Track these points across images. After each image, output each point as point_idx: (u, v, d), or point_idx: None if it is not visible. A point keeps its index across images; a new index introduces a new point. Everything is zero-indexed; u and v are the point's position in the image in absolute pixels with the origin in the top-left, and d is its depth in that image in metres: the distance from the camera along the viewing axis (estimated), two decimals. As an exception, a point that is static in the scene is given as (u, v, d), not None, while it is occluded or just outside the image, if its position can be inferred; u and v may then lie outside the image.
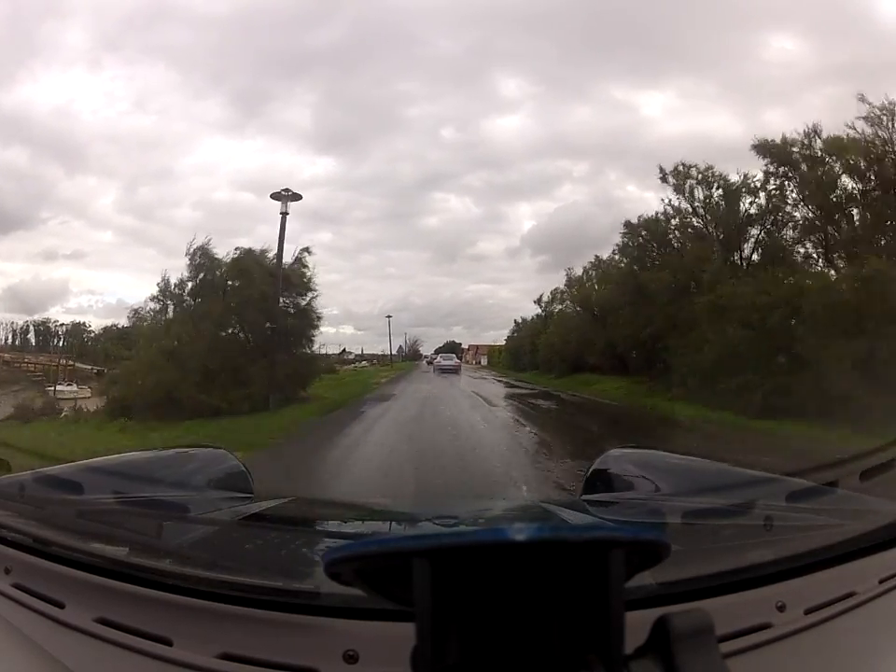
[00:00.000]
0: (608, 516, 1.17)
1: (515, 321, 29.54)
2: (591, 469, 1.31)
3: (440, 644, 0.45)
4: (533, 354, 24.44)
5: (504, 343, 33.40)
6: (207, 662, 0.65)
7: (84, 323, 23.71)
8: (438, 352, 35.43)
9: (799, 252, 12.08)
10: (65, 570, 0.76)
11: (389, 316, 30.88)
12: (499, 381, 23.00)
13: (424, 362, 36.79)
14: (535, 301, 25.16)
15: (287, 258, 14.13)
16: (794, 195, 12.05)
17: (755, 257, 12.67)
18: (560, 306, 23.02)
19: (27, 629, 0.71)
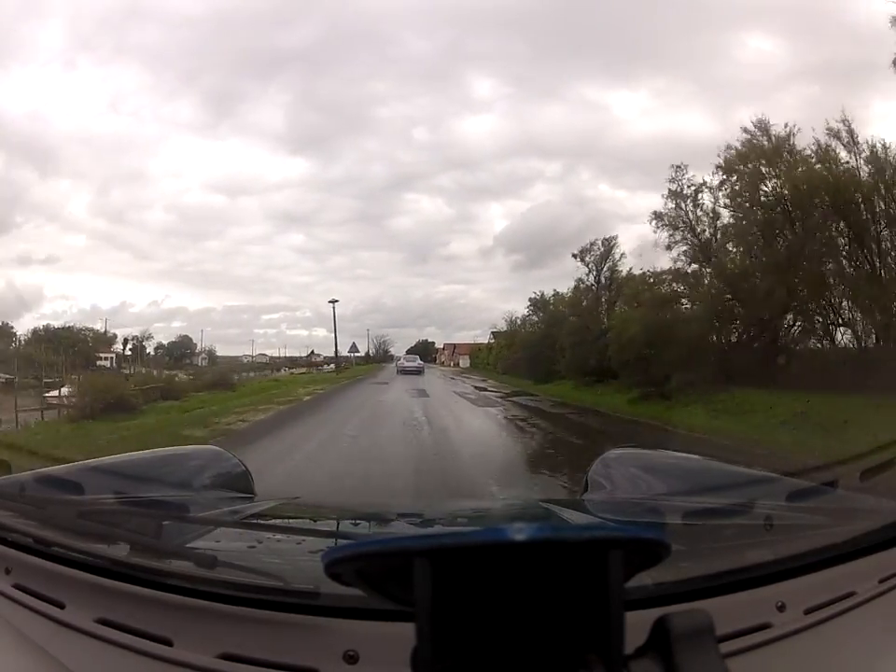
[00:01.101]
0: (608, 516, 1.17)
1: (531, 300, 18.59)
2: (591, 469, 1.31)
3: (440, 644, 0.45)
4: (576, 352, 13.15)
5: (491, 339, 25.83)
6: (207, 662, 0.64)
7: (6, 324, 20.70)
8: (409, 353, 34.57)
9: None
10: (65, 570, 0.76)
11: (334, 301, 23.31)
12: (546, 411, 11.17)
13: (394, 365, 31.98)
14: (575, 255, 14.78)
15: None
16: None
17: None
18: (674, 255, 11.00)
19: (27, 629, 0.71)
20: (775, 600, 0.72)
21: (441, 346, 43.01)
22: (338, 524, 1.27)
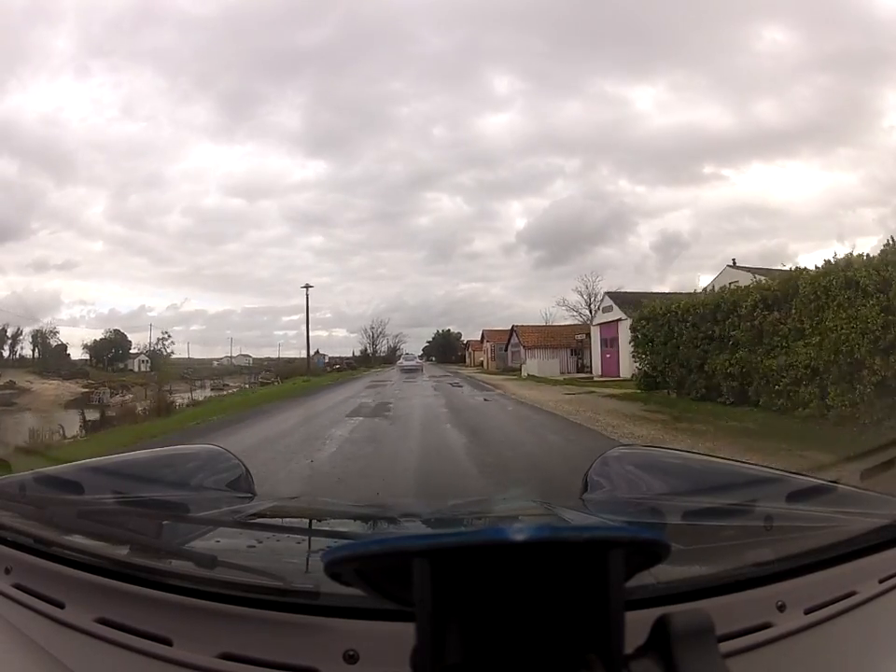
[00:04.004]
0: (608, 516, 1.17)
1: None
2: (591, 469, 1.31)
3: (440, 644, 0.45)
4: None
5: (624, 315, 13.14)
6: (207, 662, 0.64)
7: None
8: (426, 350, 33.26)
9: None
10: (65, 570, 0.76)
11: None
12: None
13: (394, 367, 27.16)
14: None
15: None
16: None
17: None
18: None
19: (27, 629, 0.71)
20: (775, 600, 0.72)
21: (479, 336, 28.99)
22: (338, 523, 1.27)
